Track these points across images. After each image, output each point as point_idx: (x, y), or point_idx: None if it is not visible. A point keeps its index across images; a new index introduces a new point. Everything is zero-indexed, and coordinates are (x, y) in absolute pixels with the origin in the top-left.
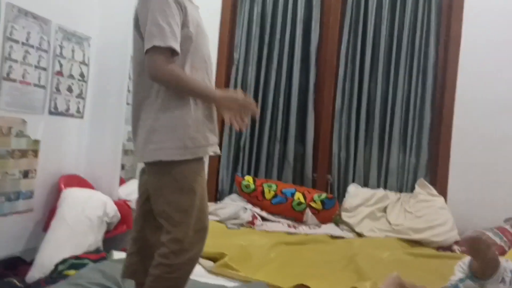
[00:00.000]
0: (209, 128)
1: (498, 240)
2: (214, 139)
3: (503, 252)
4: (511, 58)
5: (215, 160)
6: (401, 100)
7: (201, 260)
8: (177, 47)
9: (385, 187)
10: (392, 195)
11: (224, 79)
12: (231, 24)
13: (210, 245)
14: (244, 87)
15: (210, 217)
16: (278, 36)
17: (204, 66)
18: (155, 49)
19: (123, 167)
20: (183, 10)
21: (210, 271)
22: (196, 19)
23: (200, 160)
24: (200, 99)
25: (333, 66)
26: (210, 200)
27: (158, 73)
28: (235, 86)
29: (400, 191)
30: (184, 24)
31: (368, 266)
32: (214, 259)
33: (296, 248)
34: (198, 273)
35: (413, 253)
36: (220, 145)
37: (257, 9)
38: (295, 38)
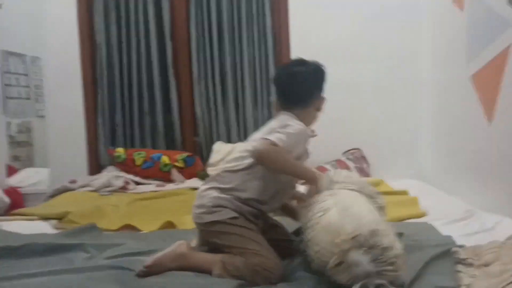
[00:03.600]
0: None
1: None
2: None
3: None
4: (330, 15)
5: (93, 138)
6: (247, 62)
7: (48, 221)
8: None
9: (245, 140)
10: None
11: (89, 63)
12: (88, 10)
13: (64, 207)
14: (109, 69)
15: (85, 189)
16: (133, 18)
17: None
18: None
19: (18, 158)
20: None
21: (55, 228)
22: None
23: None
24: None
25: (185, 40)
26: (91, 174)
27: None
28: (101, 69)
29: None
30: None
31: None
32: (61, 218)
33: (150, 202)
34: (45, 229)
35: None
36: (95, 123)
37: None
38: (149, 19)
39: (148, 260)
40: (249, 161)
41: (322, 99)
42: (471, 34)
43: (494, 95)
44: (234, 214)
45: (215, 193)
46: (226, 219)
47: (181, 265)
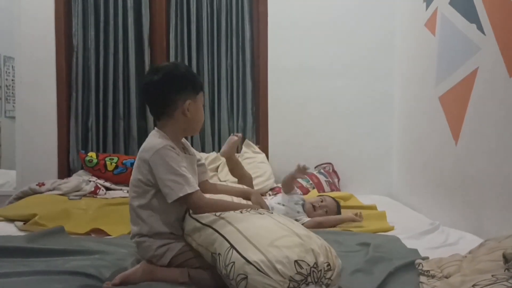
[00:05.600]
0: None
1: (305, 184)
2: None
3: (306, 192)
4: (308, 30)
5: (64, 141)
6: (225, 74)
7: (13, 222)
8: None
9: (219, 150)
10: None
11: (65, 66)
12: (66, 12)
13: (31, 209)
14: (85, 72)
15: (52, 192)
16: (112, 22)
17: None
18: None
19: None
20: None
21: (20, 229)
22: None
23: None
24: None
25: (164, 47)
26: (61, 178)
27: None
28: (77, 72)
29: None
30: None
31: None
32: (27, 220)
33: (120, 207)
34: (10, 231)
35: None
36: (67, 126)
37: None
38: (128, 24)
39: (116, 278)
40: (146, 199)
41: (185, 103)
42: (442, 56)
43: (461, 116)
44: (182, 243)
45: (147, 241)
46: (178, 250)
47: (148, 279)
